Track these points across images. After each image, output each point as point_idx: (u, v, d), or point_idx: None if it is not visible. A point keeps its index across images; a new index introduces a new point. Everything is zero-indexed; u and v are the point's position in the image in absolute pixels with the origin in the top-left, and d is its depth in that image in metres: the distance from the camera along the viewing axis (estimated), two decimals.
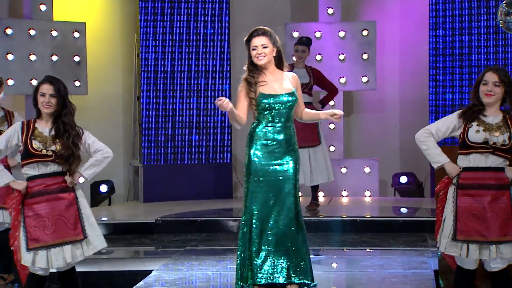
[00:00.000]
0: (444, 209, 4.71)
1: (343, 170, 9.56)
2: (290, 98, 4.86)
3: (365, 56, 9.48)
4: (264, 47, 4.84)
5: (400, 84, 10.08)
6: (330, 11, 9.56)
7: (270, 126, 4.87)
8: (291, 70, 8.10)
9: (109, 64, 9.80)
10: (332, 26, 9.53)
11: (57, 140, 4.61)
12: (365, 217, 7.89)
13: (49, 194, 4.59)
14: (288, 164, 4.88)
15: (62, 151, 4.58)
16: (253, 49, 4.85)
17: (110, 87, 9.79)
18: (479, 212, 4.58)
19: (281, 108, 4.86)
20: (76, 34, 9.08)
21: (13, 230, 4.64)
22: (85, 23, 9.17)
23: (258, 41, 4.85)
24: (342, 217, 7.90)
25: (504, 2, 7.26)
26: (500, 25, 7.43)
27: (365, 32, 9.47)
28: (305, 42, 8.22)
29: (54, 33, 8.96)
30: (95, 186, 9.20)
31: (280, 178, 4.85)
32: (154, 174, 9.45)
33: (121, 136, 9.90)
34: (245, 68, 4.95)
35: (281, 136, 4.87)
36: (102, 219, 8.10)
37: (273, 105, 4.85)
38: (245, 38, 4.90)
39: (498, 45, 9.06)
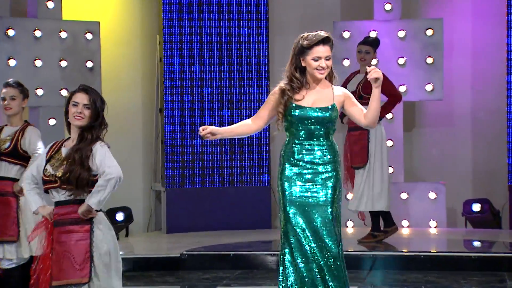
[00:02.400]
0: None
1: (404, 195, 9.50)
2: (321, 114, 4.91)
3: (429, 60, 9.44)
4: (327, 59, 4.91)
5: (472, 93, 10.01)
6: (388, 7, 9.55)
7: (298, 144, 4.95)
8: (353, 77, 8.20)
9: (127, 71, 9.89)
10: (390, 24, 9.52)
11: (64, 161, 4.67)
12: (430, 252, 7.82)
13: (61, 226, 4.65)
14: (321, 189, 4.90)
15: (67, 174, 4.63)
16: (315, 60, 4.90)
17: (128, 97, 9.87)
18: None
19: (309, 124, 4.92)
20: (89, 36, 9.19)
21: (42, 262, 4.67)
22: (99, 22, 9.29)
23: (323, 51, 4.91)
24: (402, 252, 7.85)
25: None
26: None
27: (429, 32, 9.43)
28: (371, 42, 8.18)
29: (64, 35, 9.09)
30: (110, 214, 9.24)
31: (312, 205, 4.88)
32: (179, 199, 9.49)
33: (141, 155, 9.97)
34: (287, 73, 4.99)
35: (311, 157, 4.92)
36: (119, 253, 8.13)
37: (300, 120, 4.92)
38: (303, 43, 4.91)
39: None
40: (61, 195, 4.67)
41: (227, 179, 9.61)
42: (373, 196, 8.06)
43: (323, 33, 4.93)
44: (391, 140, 9.43)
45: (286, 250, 4.91)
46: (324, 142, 4.95)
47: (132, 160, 9.73)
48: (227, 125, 9.83)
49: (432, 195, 9.51)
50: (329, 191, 4.93)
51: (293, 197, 4.95)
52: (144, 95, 10.00)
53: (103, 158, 4.71)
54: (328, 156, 4.96)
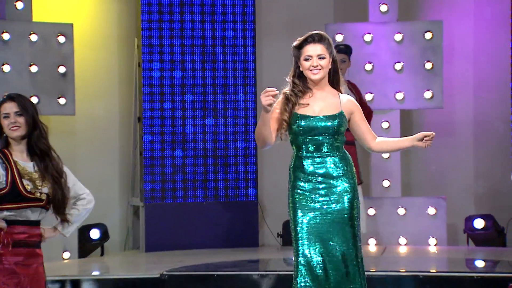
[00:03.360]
0: None
1: (401, 211, 9.50)
2: (329, 124, 4.89)
3: (428, 65, 9.46)
4: (320, 58, 4.88)
5: (474, 100, 10.03)
6: (384, 8, 9.56)
7: (308, 158, 4.91)
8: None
9: (102, 76, 9.87)
10: (387, 27, 9.53)
11: (45, 180, 4.66)
12: (429, 272, 7.82)
13: (29, 248, 4.66)
14: (338, 205, 4.87)
15: (55, 193, 4.64)
16: (306, 60, 4.89)
17: (104, 105, 9.85)
18: None
19: (317, 134, 4.89)
20: (62, 39, 9.16)
21: None
22: (72, 24, 9.26)
23: (314, 50, 4.89)
24: (399, 271, 7.83)
25: None
26: None
27: (428, 35, 9.45)
28: (345, 49, 8.27)
29: (34, 37, 9.05)
30: (83, 231, 9.22)
31: (328, 222, 4.85)
32: (159, 215, 9.46)
33: (117, 167, 9.93)
34: (288, 79, 4.97)
35: (324, 170, 4.88)
36: (93, 273, 8.09)
37: (307, 130, 4.89)
38: (294, 43, 4.93)
39: None
40: (35, 215, 4.66)
41: (210, 193, 9.58)
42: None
43: (315, 32, 4.93)
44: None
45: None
46: (336, 153, 4.92)
47: (108, 173, 9.69)
48: (211, 135, 9.91)
49: (431, 211, 9.50)
50: (347, 206, 4.90)
51: (307, 226, 4.89)
52: (121, 102, 9.97)
53: (75, 181, 4.81)
54: (343, 168, 4.92)
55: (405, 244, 9.47)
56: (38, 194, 4.65)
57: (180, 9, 9.55)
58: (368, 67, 9.43)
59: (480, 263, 8.53)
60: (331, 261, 4.88)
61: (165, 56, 9.56)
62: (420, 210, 9.52)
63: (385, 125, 9.36)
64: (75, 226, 4.83)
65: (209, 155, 9.56)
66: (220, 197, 9.60)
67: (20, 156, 4.73)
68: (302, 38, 4.94)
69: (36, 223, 4.69)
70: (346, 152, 5.01)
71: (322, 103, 4.93)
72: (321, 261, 4.88)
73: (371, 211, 9.39)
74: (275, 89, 4.73)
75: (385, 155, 9.50)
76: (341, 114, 4.92)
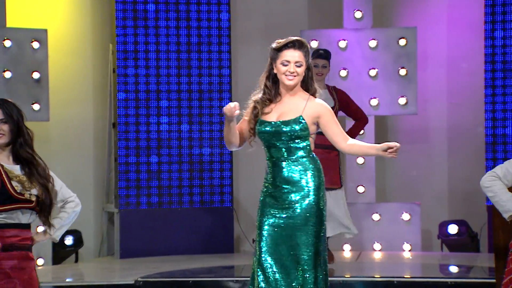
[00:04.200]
0: None
1: (376, 217, 9.53)
2: (284, 129, 4.91)
3: (402, 72, 9.50)
4: (298, 66, 4.90)
5: (448, 107, 10.08)
6: (358, 14, 9.60)
7: (272, 162, 4.99)
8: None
9: (77, 82, 9.83)
10: (361, 33, 9.57)
11: (33, 182, 4.64)
12: (404, 277, 7.84)
13: (22, 251, 4.63)
14: (295, 209, 4.89)
15: (43, 196, 4.62)
16: (284, 64, 4.90)
17: (78, 111, 9.81)
18: None
19: (275, 140, 4.93)
20: (36, 44, 9.12)
21: None
22: (46, 30, 9.22)
23: (292, 56, 4.92)
24: (374, 277, 7.85)
25: None
26: None
27: (402, 41, 9.50)
28: (326, 55, 8.26)
29: (8, 43, 9.01)
30: None
31: (286, 226, 4.87)
32: (133, 222, 9.43)
33: (92, 173, 9.90)
34: (261, 80, 4.99)
35: (282, 174, 4.92)
36: (67, 280, 8.06)
37: (265, 136, 4.95)
38: (273, 45, 4.95)
39: None
40: (26, 217, 4.63)
41: (186, 199, 9.57)
42: (339, 220, 8.14)
43: (294, 38, 4.96)
44: (362, 157, 9.46)
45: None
46: (296, 158, 4.94)
47: (83, 179, 9.65)
48: (186, 141, 9.90)
49: (406, 216, 9.54)
50: (303, 212, 4.91)
51: (267, 230, 4.93)
52: (95, 108, 9.94)
53: (62, 186, 4.81)
54: (302, 174, 4.93)
55: (380, 250, 9.50)
56: (28, 195, 4.62)
57: (155, 15, 9.54)
58: (343, 73, 9.46)
59: (454, 269, 8.57)
60: (284, 266, 4.89)
61: (140, 62, 9.54)
62: (395, 216, 9.55)
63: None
64: (65, 229, 4.84)
65: (184, 161, 9.55)
66: (195, 203, 9.59)
67: (6, 161, 4.70)
68: (282, 41, 4.95)
69: (27, 226, 4.66)
70: (313, 157, 5.02)
71: (285, 109, 4.97)
72: (274, 264, 4.89)
73: None
74: (237, 110, 4.83)
75: (360, 161, 9.53)
76: (298, 119, 4.94)
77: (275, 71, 4.96)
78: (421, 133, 10.14)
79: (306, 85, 5.01)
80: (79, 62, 9.84)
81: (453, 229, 9.58)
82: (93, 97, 9.93)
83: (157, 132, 9.54)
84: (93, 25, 9.93)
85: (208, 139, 9.57)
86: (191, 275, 8.00)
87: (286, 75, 4.91)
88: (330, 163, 7.99)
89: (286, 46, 4.92)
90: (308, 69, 4.98)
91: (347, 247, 9.40)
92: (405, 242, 9.50)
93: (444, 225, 9.65)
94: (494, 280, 6.30)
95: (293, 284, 4.87)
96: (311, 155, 5.00)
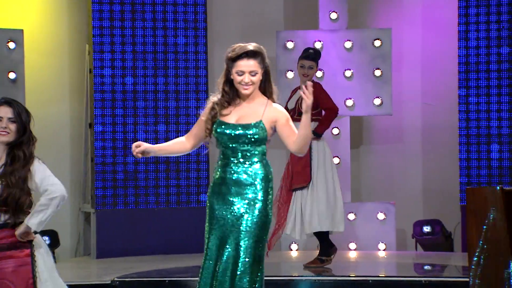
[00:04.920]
0: None
1: (351, 216, 9.57)
2: (241, 132, 4.96)
3: (377, 73, 9.56)
4: (252, 75, 4.93)
5: (422, 107, 10.14)
6: (334, 16, 9.65)
7: (224, 163, 5.02)
8: (294, 94, 8.21)
9: (53, 82, 9.81)
10: (336, 34, 9.61)
11: (3, 180, 4.61)
12: (378, 276, 7.88)
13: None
14: (242, 211, 4.94)
15: (5, 194, 4.58)
16: (238, 74, 4.92)
17: (54, 112, 9.79)
18: None
19: (232, 142, 4.97)
20: (12, 45, 9.10)
21: None
22: (22, 30, 9.20)
23: (247, 65, 4.94)
24: (349, 276, 7.89)
25: None
26: None
27: (377, 43, 9.55)
28: (313, 56, 8.18)
29: None
30: None
31: (231, 230, 4.94)
32: (110, 222, 9.42)
33: (68, 173, 9.88)
34: (218, 84, 5.04)
35: (234, 176, 4.97)
36: None
37: (222, 137, 4.99)
38: (228, 54, 4.97)
39: None
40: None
41: (162, 199, 9.57)
42: (319, 216, 8.08)
43: (250, 46, 4.94)
44: (337, 157, 9.50)
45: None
46: (250, 162, 4.98)
47: (59, 179, 9.55)
48: (163, 141, 9.83)
49: (380, 216, 9.59)
50: (247, 214, 4.97)
51: (215, 218, 5.00)
52: (72, 109, 9.92)
53: (44, 177, 4.73)
54: (253, 177, 4.98)
55: (355, 249, 9.54)
56: None
57: (131, 15, 9.54)
58: (319, 74, 9.49)
59: (428, 268, 8.61)
60: (221, 262, 4.96)
61: (117, 63, 9.54)
62: (370, 215, 9.59)
63: (335, 131, 9.43)
64: (39, 217, 4.70)
65: (161, 161, 9.56)
66: (172, 203, 9.59)
67: None
68: (236, 51, 4.94)
69: (5, 226, 4.63)
70: (266, 163, 5.06)
71: (244, 112, 5.00)
72: (215, 258, 4.96)
73: None
74: (138, 151, 4.98)
75: (335, 161, 9.56)
76: (258, 124, 4.98)
77: (231, 77, 4.99)
78: (396, 134, 10.19)
79: (264, 87, 5.04)
80: (55, 62, 9.82)
81: (427, 228, 9.64)
82: (69, 98, 9.90)
83: (133, 132, 9.54)
84: (69, 25, 9.91)
85: None
86: (168, 275, 8.00)
87: (241, 84, 4.95)
88: (301, 162, 8.00)
89: (239, 56, 4.92)
90: (265, 72, 5.00)
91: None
92: (380, 242, 9.55)
93: (418, 225, 9.71)
94: (467, 279, 6.36)
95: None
96: (264, 161, 5.05)
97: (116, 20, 9.51)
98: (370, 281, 7.66)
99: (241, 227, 4.93)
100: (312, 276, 7.79)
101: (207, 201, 5.11)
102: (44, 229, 9.07)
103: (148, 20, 9.57)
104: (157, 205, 9.56)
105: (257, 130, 4.96)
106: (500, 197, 5.84)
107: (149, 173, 9.54)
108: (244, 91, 4.96)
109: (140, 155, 5.05)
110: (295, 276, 7.81)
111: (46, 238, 9.22)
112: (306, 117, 4.89)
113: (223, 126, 4.98)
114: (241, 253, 4.91)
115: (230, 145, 4.98)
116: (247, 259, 4.92)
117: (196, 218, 9.54)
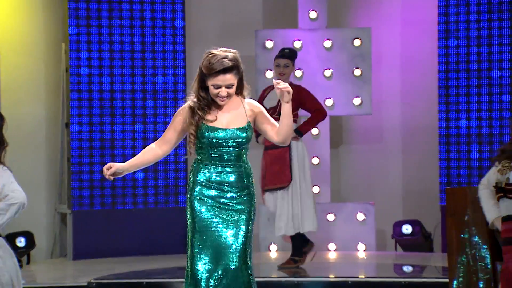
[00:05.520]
0: None
1: (330, 217, 9.57)
2: (243, 134, 4.94)
3: (357, 72, 9.56)
4: (229, 87, 4.90)
5: (402, 107, 10.16)
6: (313, 15, 9.65)
7: (211, 166, 4.98)
8: (268, 92, 8.21)
9: (28, 82, 9.75)
10: (316, 33, 9.61)
11: None
12: (358, 277, 7.88)
13: None
14: (234, 216, 4.93)
15: None
16: (215, 87, 4.89)
17: (30, 111, 9.73)
18: None
19: (224, 146, 4.93)
20: None
21: None
22: None
23: (223, 80, 4.89)
24: (329, 277, 7.89)
25: None
26: None
27: (357, 42, 9.56)
28: (289, 54, 8.22)
29: None
30: (9, 239, 9.09)
31: (227, 232, 4.93)
32: (87, 223, 9.38)
33: (44, 174, 9.83)
34: (193, 90, 5.00)
35: (224, 180, 4.95)
36: None
37: (214, 142, 4.93)
38: (204, 66, 4.91)
39: None
40: None
41: (140, 199, 9.54)
42: (301, 217, 8.08)
43: (227, 61, 4.87)
44: (317, 157, 9.50)
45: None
46: (239, 165, 4.96)
47: (35, 179, 9.58)
48: (141, 141, 9.86)
49: (360, 216, 9.60)
50: (243, 219, 4.95)
51: (202, 222, 4.95)
52: (48, 108, 9.87)
53: (7, 183, 4.73)
54: (244, 181, 4.97)
55: (335, 250, 9.55)
56: None
57: (108, 14, 9.49)
58: (298, 73, 9.49)
59: (407, 268, 8.63)
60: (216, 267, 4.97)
61: (93, 62, 9.49)
62: (349, 215, 9.60)
63: (315, 131, 9.42)
64: None
65: None
66: (149, 204, 9.56)
67: None
68: (213, 67, 4.86)
69: None
70: (249, 163, 5.07)
71: (229, 115, 4.97)
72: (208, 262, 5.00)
73: None
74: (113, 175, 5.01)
75: (315, 161, 9.56)
76: (249, 125, 4.97)
77: (207, 84, 4.94)
78: (376, 133, 10.20)
79: (240, 89, 5.01)
80: (31, 61, 9.76)
81: (407, 229, 9.65)
82: (45, 97, 9.85)
83: (110, 132, 9.49)
84: (45, 24, 9.85)
85: None
86: (145, 276, 7.98)
87: (218, 96, 4.92)
88: (281, 161, 8.00)
89: (216, 71, 4.85)
90: (240, 79, 4.95)
91: None
92: (359, 242, 9.56)
93: (398, 225, 9.73)
94: (447, 280, 6.37)
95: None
96: (247, 161, 5.05)
97: (93, 19, 9.46)
98: (350, 282, 7.67)
99: (231, 248, 4.93)
100: (291, 277, 7.78)
101: (190, 205, 5.06)
102: (19, 231, 9.09)
103: (125, 18, 9.53)
104: (135, 206, 9.52)
105: (249, 131, 4.95)
106: None
107: (127, 173, 9.47)
108: (221, 102, 4.94)
109: (111, 177, 4.99)
110: (274, 277, 7.79)
111: (22, 239, 9.18)
112: (288, 106, 4.89)
113: (216, 131, 4.93)
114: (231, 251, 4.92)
115: (224, 149, 4.94)
116: (235, 258, 4.95)
117: (174, 219, 9.52)
